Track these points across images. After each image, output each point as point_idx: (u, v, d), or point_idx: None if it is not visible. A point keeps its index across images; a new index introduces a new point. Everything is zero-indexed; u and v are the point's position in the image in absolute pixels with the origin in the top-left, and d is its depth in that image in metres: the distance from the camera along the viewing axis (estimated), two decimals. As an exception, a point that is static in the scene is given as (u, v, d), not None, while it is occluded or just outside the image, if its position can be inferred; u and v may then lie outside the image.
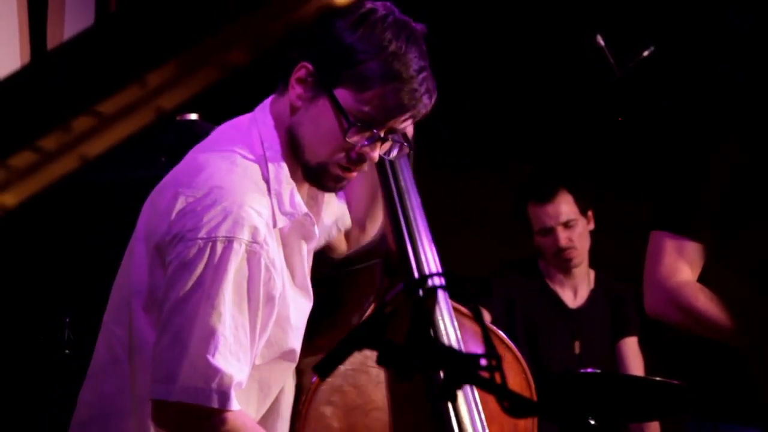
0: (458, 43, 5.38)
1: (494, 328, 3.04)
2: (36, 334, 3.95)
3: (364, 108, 2.56)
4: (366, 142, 2.59)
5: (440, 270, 2.86)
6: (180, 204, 2.53)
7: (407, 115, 2.59)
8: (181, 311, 2.47)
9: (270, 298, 2.56)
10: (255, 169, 2.60)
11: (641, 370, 5.15)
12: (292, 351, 2.67)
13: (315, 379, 2.77)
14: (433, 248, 2.90)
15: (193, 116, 3.44)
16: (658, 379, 4.45)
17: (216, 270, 2.47)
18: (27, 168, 1.32)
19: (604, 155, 5.93)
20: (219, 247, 2.47)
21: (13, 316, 3.93)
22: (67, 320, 3.88)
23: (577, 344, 5.13)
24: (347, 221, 2.95)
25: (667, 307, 3.21)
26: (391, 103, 2.56)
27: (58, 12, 4.04)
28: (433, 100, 2.62)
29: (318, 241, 2.78)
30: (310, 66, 2.59)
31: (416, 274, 2.85)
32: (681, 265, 3.16)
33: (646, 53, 4.56)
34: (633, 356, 5.17)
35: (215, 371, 2.45)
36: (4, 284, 3.88)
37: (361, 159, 2.61)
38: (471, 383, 1.89)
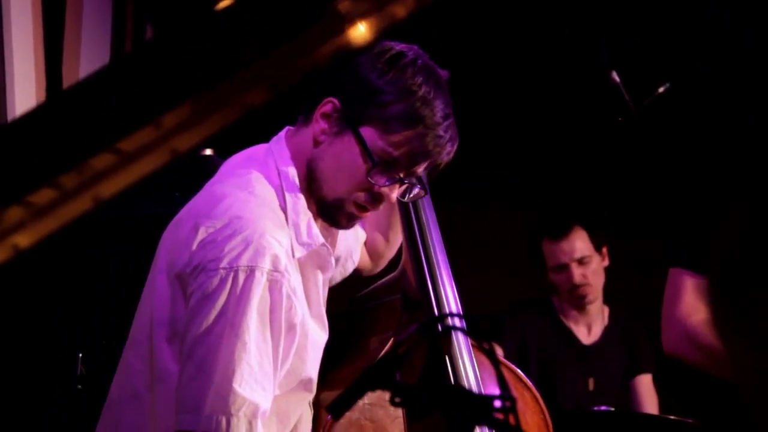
0: (474, 80, 5.38)
1: (513, 366, 3.02)
2: (49, 370, 3.95)
3: (388, 149, 2.57)
4: (387, 183, 2.59)
5: (459, 309, 2.86)
6: (201, 235, 2.53)
7: (430, 160, 2.60)
8: (204, 341, 2.47)
9: (291, 327, 2.56)
10: (273, 199, 2.60)
11: (655, 408, 5.12)
12: (310, 380, 2.67)
13: (330, 416, 2.76)
14: (454, 286, 2.90)
15: (208, 152, 3.44)
16: (672, 417, 4.42)
17: (239, 300, 2.47)
18: (43, 208, 1.31)
19: (619, 191, 5.92)
20: (241, 277, 2.47)
21: (26, 352, 3.93)
22: (80, 355, 3.88)
23: (590, 381, 5.10)
24: (356, 256, 2.96)
25: (686, 346, 3.17)
26: (417, 148, 2.57)
27: (74, 51, 4.06)
28: (455, 148, 2.63)
29: (333, 275, 2.78)
30: (336, 102, 2.60)
31: (435, 312, 2.85)
32: (701, 304, 3.13)
33: (661, 90, 4.55)
34: (647, 394, 5.14)
35: (242, 400, 2.44)
36: (17, 320, 3.88)
37: (379, 199, 2.62)
38: (485, 425, 1.88)
